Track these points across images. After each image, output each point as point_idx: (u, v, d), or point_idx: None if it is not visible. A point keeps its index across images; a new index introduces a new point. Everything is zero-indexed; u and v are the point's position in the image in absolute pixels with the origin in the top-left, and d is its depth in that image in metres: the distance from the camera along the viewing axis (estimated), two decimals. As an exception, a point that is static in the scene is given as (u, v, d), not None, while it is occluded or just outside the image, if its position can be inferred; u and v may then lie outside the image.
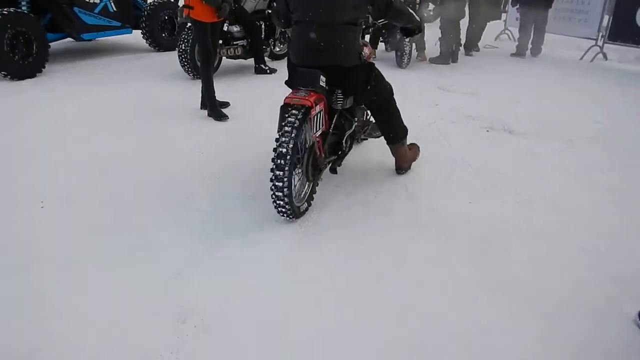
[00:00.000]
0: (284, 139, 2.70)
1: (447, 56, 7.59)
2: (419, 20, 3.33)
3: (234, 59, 6.52)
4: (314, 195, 3.15)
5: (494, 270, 2.60)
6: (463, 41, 8.10)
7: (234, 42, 6.28)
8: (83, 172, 3.54)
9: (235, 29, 6.24)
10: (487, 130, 4.73)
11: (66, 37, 6.84)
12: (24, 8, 5.96)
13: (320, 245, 2.78)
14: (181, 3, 5.06)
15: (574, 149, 4.29)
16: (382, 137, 3.53)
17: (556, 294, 2.44)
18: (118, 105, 5.06)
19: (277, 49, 7.41)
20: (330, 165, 3.26)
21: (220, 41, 5.98)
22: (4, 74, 5.63)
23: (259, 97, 5.52)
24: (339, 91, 3.05)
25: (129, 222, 2.94)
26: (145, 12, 7.38)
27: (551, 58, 8.51)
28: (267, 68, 6.59)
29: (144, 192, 3.30)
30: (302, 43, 2.99)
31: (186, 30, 5.85)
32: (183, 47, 5.83)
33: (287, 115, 2.76)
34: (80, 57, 7.20)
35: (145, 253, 2.65)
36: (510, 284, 2.50)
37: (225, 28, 6.08)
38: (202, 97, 4.92)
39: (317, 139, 2.95)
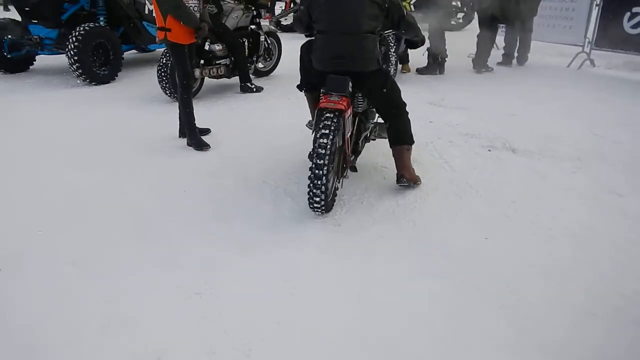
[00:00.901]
0: (322, 140, 2.94)
1: (435, 67, 7.36)
2: (422, 34, 3.70)
3: (217, 78, 6.22)
4: (337, 192, 3.37)
5: (532, 332, 2.25)
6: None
7: (217, 62, 6.01)
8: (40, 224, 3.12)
9: (217, 47, 5.98)
10: (489, 150, 4.43)
11: (134, 49, 7.76)
12: (101, 22, 6.87)
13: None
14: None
15: (585, 169, 4.00)
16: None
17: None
18: (83, 137, 4.63)
19: (261, 65, 7.10)
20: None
21: (202, 61, 5.79)
22: (86, 79, 6.47)
23: (243, 121, 5.18)
24: (359, 95, 3.42)
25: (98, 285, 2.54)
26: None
27: (538, 66, 8.32)
28: (253, 86, 6.31)
29: (112, 248, 2.89)
30: (328, 51, 3.25)
31: (164, 52, 5.58)
32: (164, 61, 5.47)
33: (323, 118, 2.99)
34: (44, 74, 6.76)
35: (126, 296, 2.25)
36: (553, 347, 2.16)
37: (206, 47, 5.85)
38: (180, 124, 4.53)
39: (347, 140, 3.21)
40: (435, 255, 2.80)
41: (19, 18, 6.96)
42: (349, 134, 3.27)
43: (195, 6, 4.22)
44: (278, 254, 2.80)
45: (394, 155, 3.58)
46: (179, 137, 4.57)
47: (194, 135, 4.37)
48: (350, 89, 3.17)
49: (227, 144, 4.49)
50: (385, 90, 3.37)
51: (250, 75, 6.52)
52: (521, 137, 4.74)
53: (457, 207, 3.36)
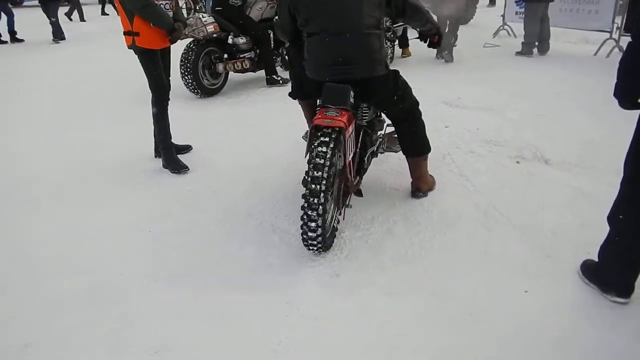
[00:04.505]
0: (318, 160, 2.39)
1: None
2: (437, 22, 3.06)
3: (242, 72, 6.01)
4: (337, 225, 2.76)
5: None
6: None
7: (241, 55, 5.78)
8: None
9: (241, 40, 5.78)
10: (518, 162, 3.75)
11: None
12: None
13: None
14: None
15: None
16: (401, 151, 3.15)
17: None
18: (41, 163, 4.01)
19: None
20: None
21: (225, 55, 5.67)
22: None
23: (232, 130, 4.53)
24: (364, 105, 2.81)
25: None
26: None
27: (561, 55, 7.55)
28: (279, 78, 6.04)
29: (61, 329, 2.27)
30: (323, 57, 2.65)
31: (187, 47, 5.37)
32: (188, 68, 5.32)
33: (319, 138, 2.46)
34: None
35: None
36: None
37: (230, 40, 5.68)
38: (155, 142, 3.90)
39: (349, 162, 2.65)
40: (464, 323, 2.14)
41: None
42: (352, 154, 2.69)
43: (167, 4, 3.58)
44: (256, 330, 2.16)
45: (409, 164, 3.16)
46: (155, 157, 3.94)
47: (169, 156, 3.74)
48: (352, 100, 2.61)
49: (209, 164, 3.85)
50: (396, 97, 2.85)
51: (278, 67, 6.31)
52: (554, 143, 4.04)
53: (486, 245, 2.69)
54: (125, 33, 3.52)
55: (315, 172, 2.37)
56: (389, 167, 3.67)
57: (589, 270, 2.34)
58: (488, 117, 4.77)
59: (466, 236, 2.77)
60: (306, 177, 2.42)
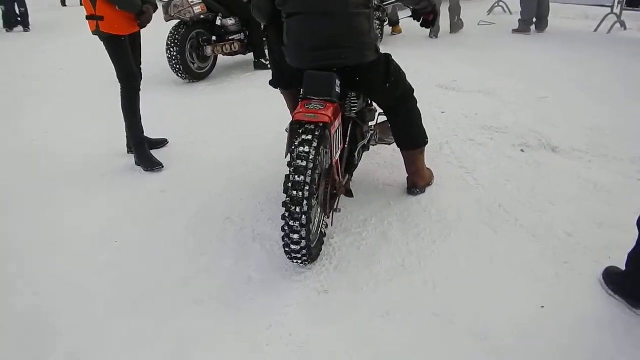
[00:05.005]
0: (300, 162, 2.06)
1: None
2: None
3: (231, 55, 5.65)
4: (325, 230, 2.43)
5: None
6: None
7: (230, 37, 5.44)
8: None
9: (230, 22, 5.44)
10: (522, 150, 3.44)
11: None
12: None
13: None
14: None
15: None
16: (395, 143, 2.82)
17: None
18: None
19: None
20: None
21: (214, 38, 5.35)
22: None
23: (212, 119, 4.18)
24: (353, 94, 2.46)
25: None
26: None
27: (560, 32, 7.20)
28: (267, 62, 5.56)
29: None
30: (304, 40, 2.30)
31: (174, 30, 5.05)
32: (174, 52, 5.01)
33: (301, 133, 2.13)
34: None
35: None
36: None
37: (218, 22, 5.34)
38: (127, 136, 3.55)
39: (336, 161, 2.32)
40: (471, 348, 1.84)
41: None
42: (339, 152, 2.35)
43: (135, -17, 3.20)
44: None
45: (404, 158, 2.83)
46: (128, 152, 3.59)
47: (142, 153, 3.39)
48: (338, 90, 2.26)
49: (186, 158, 3.51)
50: (388, 85, 2.50)
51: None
52: (560, 129, 3.73)
53: (491, 250, 2.39)
54: (88, 17, 3.15)
55: (296, 177, 2.03)
56: (382, 159, 3.35)
57: (614, 281, 2.05)
58: (486, 100, 4.44)
59: (469, 240, 2.47)
60: (287, 182, 2.09)
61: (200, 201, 2.94)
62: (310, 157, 2.04)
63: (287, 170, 2.11)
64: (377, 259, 2.34)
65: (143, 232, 2.66)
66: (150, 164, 3.36)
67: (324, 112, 2.11)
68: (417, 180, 2.88)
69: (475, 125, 3.90)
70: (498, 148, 3.49)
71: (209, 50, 5.33)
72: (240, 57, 5.95)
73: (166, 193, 3.07)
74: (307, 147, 2.05)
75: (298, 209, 2.03)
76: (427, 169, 2.97)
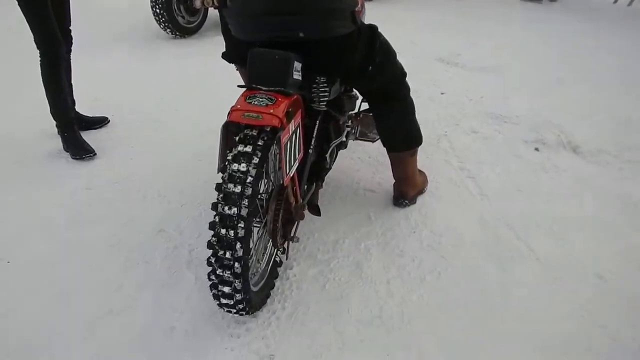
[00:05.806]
0: (232, 186, 1.39)
1: None
2: None
3: (216, 8, 4.66)
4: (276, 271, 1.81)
5: None
6: None
7: None
8: None
9: None
10: (537, 149, 2.82)
11: None
12: None
13: None
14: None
15: None
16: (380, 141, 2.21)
17: None
18: None
19: None
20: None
21: None
22: None
23: (169, 99, 3.48)
24: (322, 79, 1.75)
25: None
26: None
27: (575, 1, 6.47)
28: None
29: None
30: (250, 3, 1.62)
31: None
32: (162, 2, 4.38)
33: (237, 141, 1.45)
34: None
35: None
36: None
37: None
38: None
39: (291, 178, 1.63)
40: None
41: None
42: (296, 164, 1.67)
43: None
44: None
45: (390, 161, 2.23)
46: (58, 133, 2.93)
47: (70, 136, 2.74)
48: (298, 77, 1.58)
49: (126, 144, 2.87)
50: (372, 67, 1.82)
51: None
52: (580, 121, 3.12)
53: (502, 301, 1.80)
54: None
55: (226, 208, 1.40)
56: (365, 154, 2.73)
57: None
58: (494, 80, 3.79)
59: (469, 281, 1.87)
60: (214, 215, 1.44)
61: (131, 205, 2.32)
62: (247, 181, 1.39)
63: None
64: (345, 306, 1.75)
65: (50, 248, 2.05)
66: (79, 151, 2.70)
67: (272, 112, 1.43)
68: (406, 189, 2.27)
69: (480, 111, 3.27)
70: (507, 144, 2.87)
71: (197, 2, 4.62)
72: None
73: (91, 192, 2.43)
74: (243, 165, 1.39)
75: (228, 254, 1.41)
76: (420, 172, 2.35)
